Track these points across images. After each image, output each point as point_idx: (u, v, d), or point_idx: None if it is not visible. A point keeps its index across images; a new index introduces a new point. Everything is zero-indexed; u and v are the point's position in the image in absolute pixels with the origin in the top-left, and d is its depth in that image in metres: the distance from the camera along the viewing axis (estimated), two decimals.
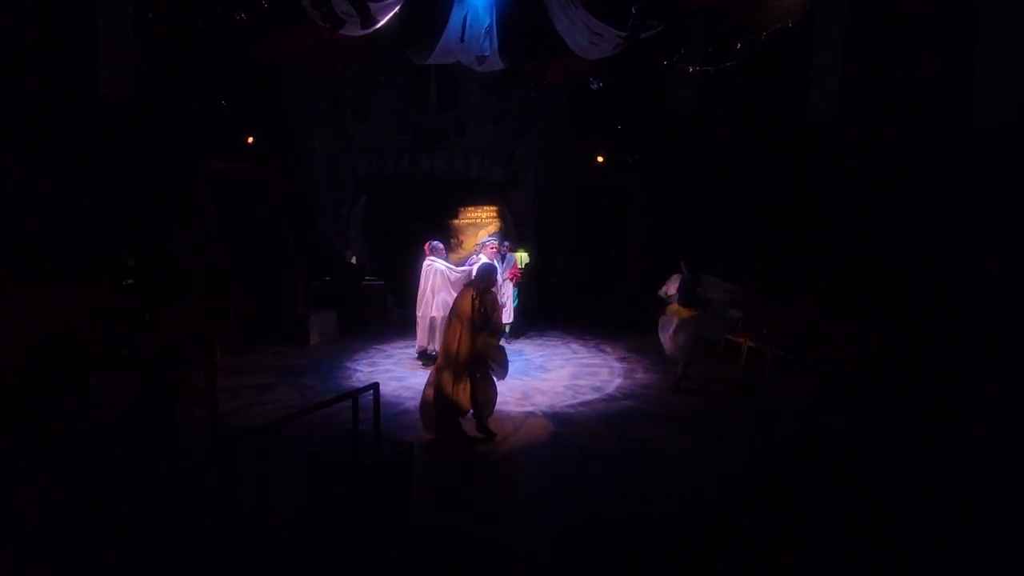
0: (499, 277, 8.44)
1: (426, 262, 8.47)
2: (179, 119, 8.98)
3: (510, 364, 8.52)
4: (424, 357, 8.54)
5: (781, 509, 4.66)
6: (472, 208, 12.98)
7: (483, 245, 8.81)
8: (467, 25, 7.65)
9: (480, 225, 12.93)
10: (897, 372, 7.01)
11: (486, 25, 7.69)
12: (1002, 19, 6.10)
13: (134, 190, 8.28)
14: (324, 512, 4.28)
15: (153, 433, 5.16)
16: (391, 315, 11.78)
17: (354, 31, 6.99)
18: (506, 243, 10.03)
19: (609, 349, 9.65)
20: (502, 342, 8.54)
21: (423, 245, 8.71)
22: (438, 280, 8.33)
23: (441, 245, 8.78)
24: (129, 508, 4.15)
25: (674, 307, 7.46)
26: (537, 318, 11.40)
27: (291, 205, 11.16)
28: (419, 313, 8.48)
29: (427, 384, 6.03)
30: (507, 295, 9.31)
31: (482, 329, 5.89)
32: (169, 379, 5.62)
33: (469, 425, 5.99)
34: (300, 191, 11.73)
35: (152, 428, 5.23)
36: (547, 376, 8.26)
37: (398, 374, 8.21)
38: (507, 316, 8.91)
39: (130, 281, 7.86)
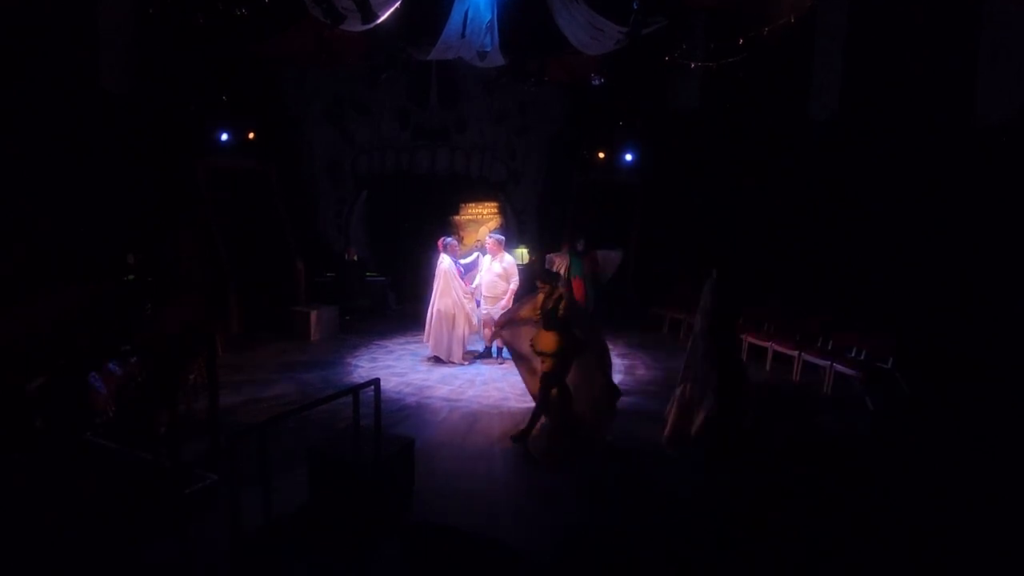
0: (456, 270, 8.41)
1: (438, 259, 8.50)
2: (180, 115, 8.97)
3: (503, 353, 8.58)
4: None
5: (780, 508, 4.66)
6: (473, 204, 13.00)
7: (493, 240, 8.66)
8: (468, 20, 7.63)
9: (481, 221, 12.95)
10: (898, 371, 7.01)
11: (487, 20, 7.68)
12: (1005, 18, 6.07)
13: (134, 186, 8.28)
14: (324, 509, 4.28)
15: (153, 430, 5.16)
16: (392, 311, 11.80)
17: (355, 27, 6.97)
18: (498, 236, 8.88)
19: (609, 346, 9.63)
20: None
21: (436, 242, 8.69)
22: (444, 278, 8.36)
23: (454, 242, 8.75)
24: (129, 506, 4.15)
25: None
26: None
27: (292, 202, 11.18)
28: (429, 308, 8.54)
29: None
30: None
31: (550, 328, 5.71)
32: (170, 375, 5.61)
33: None
34: (301, 188, 11.73)
35: (152, 424, 5.22)
36: None
37: (399, 370, 8.22)
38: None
39: (131, 277, 7.86)
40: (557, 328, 5.63)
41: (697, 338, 5.60)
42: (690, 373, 5.60)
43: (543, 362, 5.71)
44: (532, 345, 5.82)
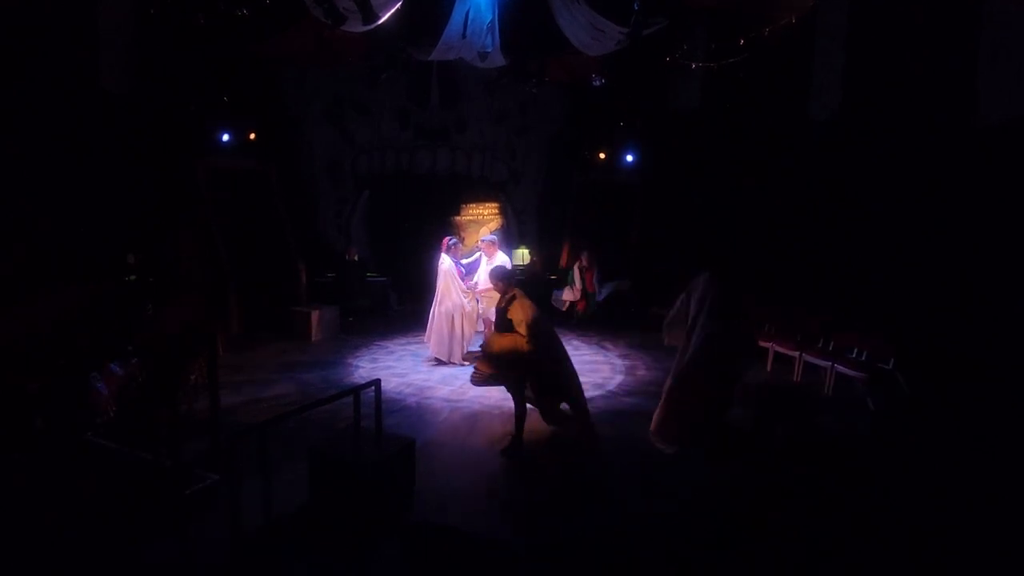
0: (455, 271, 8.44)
1: (439, 260, 8.50)
2: (180, 115, 8.97)
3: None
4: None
5: (780, 508, 4.66)
6: (474, 204, 13.01)
7: (487, 242, 8.71)
8: (469, 21, 7.64)
9: (482, 222, 12.95)
10: (898, 371, 7.00)
11: (488, 21, 7.69)
12: (1005, 18, 6.06)
13: (134, 186, 8.28)
14: (324, 509, 4.28)
15: (153, 430, 5.17)
16: (393, 311, 11.80)
17: (356, 27, 6.97)
18: (491, 238, 9.01)
19: (610, 346, 9.65)
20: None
21: (440, 242, 8.68)
22: (444, 279, 8.38)
23: (457, 243, 8.74)
24: (129, 506, 4.15)
25: None
26: None
27: (292, 202, 11.18)
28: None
29: None
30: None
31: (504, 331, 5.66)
32: (170, 375, 5.62)
33: None
34: (301, 188, 11.74)
35: (153, 424, 5.23)
36: None
37: (400, 370, 8.22)
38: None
39: (131, 277, 7.86)
40: (508, 329, 5.59)
41: (692, 335, 5.56)
42: (678, 370, 5.58)
43: (496, 363, 5.63)
44: (483, 347, 5.79)
